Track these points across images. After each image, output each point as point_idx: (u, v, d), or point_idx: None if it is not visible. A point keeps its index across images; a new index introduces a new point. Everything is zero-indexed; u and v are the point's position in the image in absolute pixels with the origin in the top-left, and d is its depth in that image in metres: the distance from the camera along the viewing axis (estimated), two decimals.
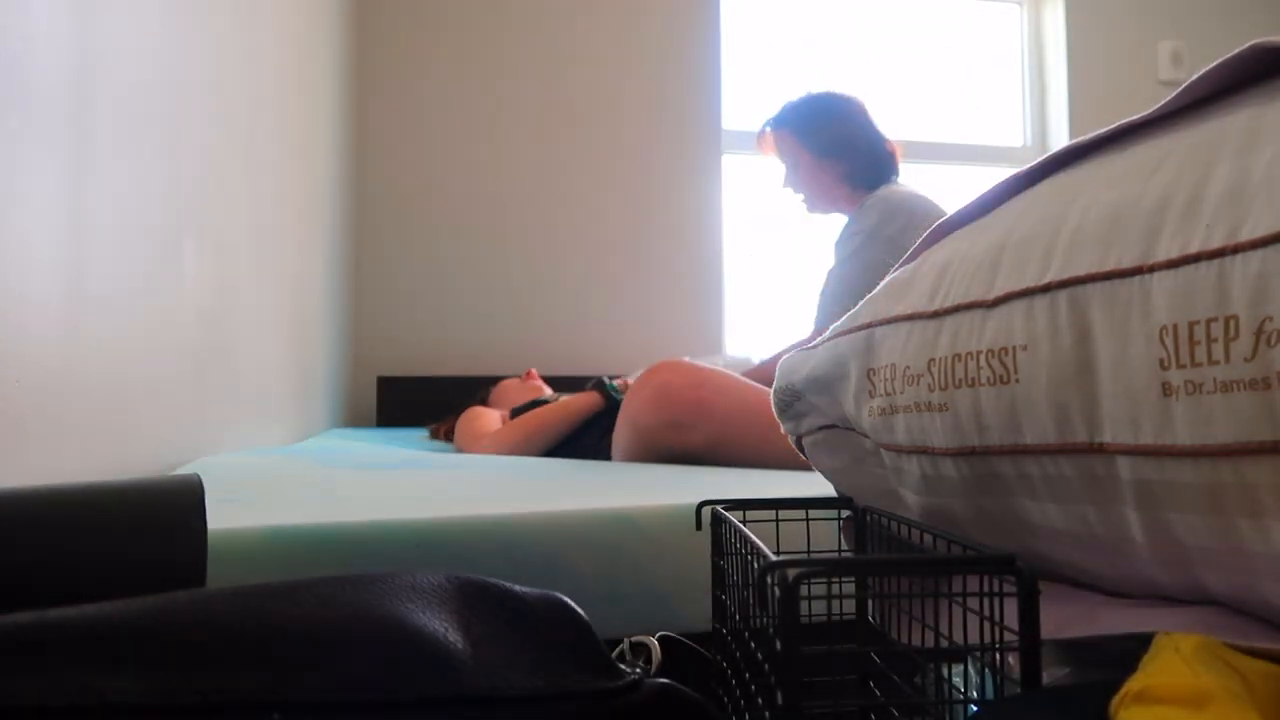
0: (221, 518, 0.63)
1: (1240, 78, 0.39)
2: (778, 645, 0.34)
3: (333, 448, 1.46)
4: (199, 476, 0.45)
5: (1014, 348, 0.41)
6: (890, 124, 3.00)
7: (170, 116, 1.04)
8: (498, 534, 0.63)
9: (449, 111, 2.62)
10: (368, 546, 0.60)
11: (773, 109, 1.96)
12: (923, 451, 0.49)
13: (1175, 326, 0.34)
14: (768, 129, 1.94)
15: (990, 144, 3.11)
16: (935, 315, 0.47)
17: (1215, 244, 0.33)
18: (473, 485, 0.89)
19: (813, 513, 0.56)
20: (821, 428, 0.60)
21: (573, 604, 0.41)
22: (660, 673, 0.46)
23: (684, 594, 0.65)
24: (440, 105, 2.62)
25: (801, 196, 1.93)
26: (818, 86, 1.95)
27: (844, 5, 3.07)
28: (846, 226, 1.81)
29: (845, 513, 0.58)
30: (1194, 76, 0.40)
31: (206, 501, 0.57)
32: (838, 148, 1.85)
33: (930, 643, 0.43)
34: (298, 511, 0.67)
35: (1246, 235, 0.32)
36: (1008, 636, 0.37)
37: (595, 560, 0.63)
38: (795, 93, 1.95)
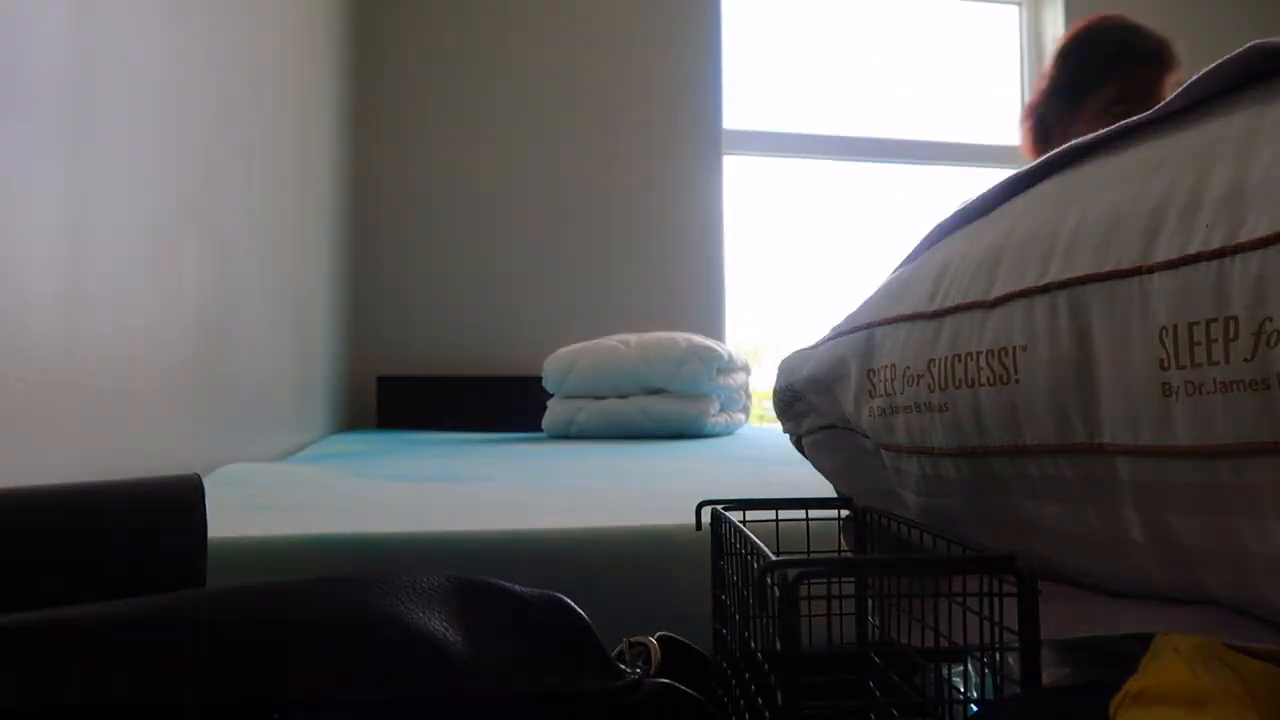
0: (262, 525, 0.64)
1: (1240, 78, 0.39)
2: (778, 645, 0.34)
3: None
4: (199, 476, 0.45)
5: (1014, 348, 0.41)
6: (891, 124, 3.00)
7: (170, 116, 1.04)
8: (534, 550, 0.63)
9: (449, 111, 2.62)
10: (413, 557, 0.61)
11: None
12: (922, 452, 0.49)
13: (1175, 327, 0.34)
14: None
15: (990, 144, 3.11)
16: (935, 316, 0.47)
17: (1215, 245, 0.33)
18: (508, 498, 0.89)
19: (813, 513, 0.56)
20: (821, 428, 0.60)
21: (573, 604, 0.41)
22: (660, 673, 0.46)
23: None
24: (440, 105, 2.62)
25: None
26: None
27: (844, 5, 3.07)
28: None
29: (845, 513, 0.58)
30: (1194, 77, 0.40)
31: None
32: None
33: (930, 643, 0.43)
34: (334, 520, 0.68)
35: (1246, 236, 0.32)
36: (1008, 636, 0.37)
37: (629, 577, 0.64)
38: None
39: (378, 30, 2.60)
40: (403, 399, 2.51)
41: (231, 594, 0.36)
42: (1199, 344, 0.33)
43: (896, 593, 0.48)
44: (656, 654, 0.47)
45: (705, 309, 2.73)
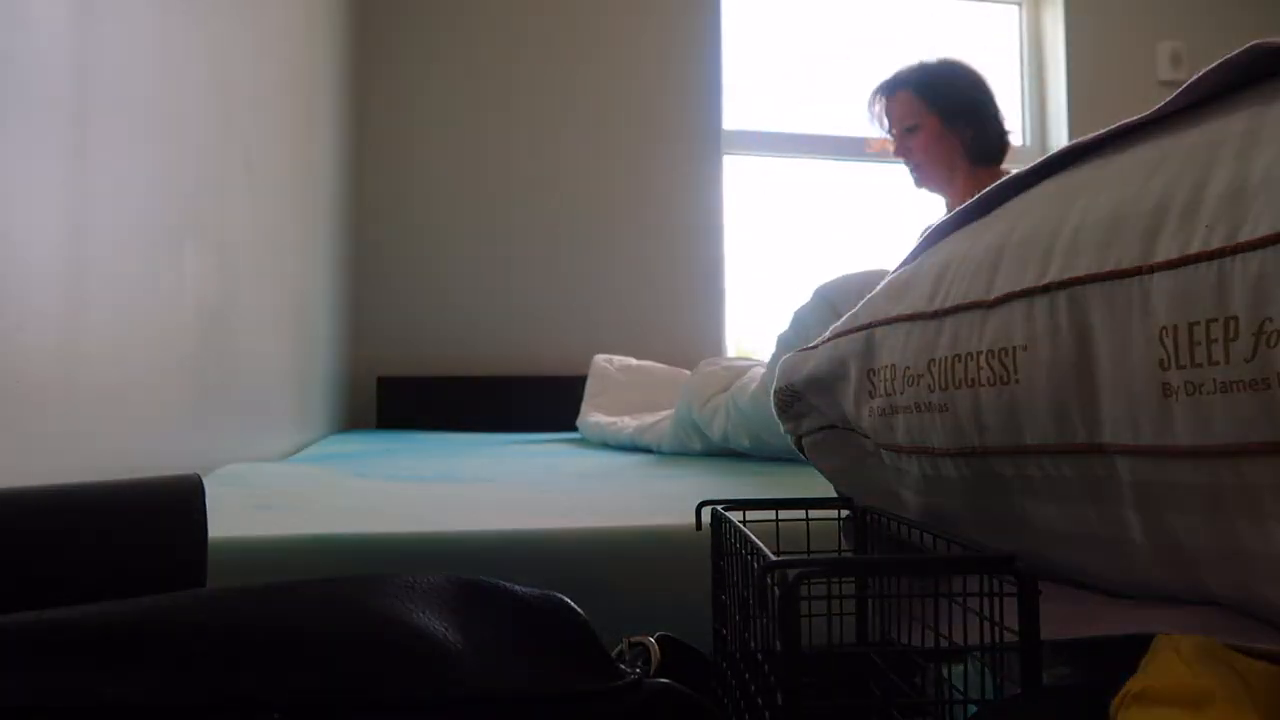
0: (261, 525, 0.64)
1: (1240, 79, 0.39)
2: (778, 645, 0.34)
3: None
4: (199, 476, 0.45)
5: (1014, 348, 0.41)
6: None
7: (170, 117, 1.04)
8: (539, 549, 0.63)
9: (449, 111, 2.62)
10: (412, 557, 0.60)
11: (890, 74, 1.87)
12: (923, 452, 0.48)
13: (1175, 327, 0.34)
14: (893, 92, 1.83)
15: None
16: (935, 316, 0.47)
17: (1215, 245, 0.33)
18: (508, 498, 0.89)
19: (813, 513, 0.56)
20: (821, 428, 0.60)
21: (573, 604, 0.41)
22: (660, 673, 0.46)
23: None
24: (440, 105, 2.62)
25: (914, 165, 1.83)
26: (942, 55, 1.87)
27: (844, 5, 3.07)
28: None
29: (845, 513, 0.58)
30: (1193, 77, 0.40)
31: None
32: (966, 115, 1.76)
33: (930, 643, 0.43)
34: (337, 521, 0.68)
35: (1246, 236, 0.32)
36: (1008, 636, 0.37)
37: (639, 577, 0.63)
38: (918, 57, 1.87)
39: (377, 31, 2.60)
40: (403, 399, 2.51)
41: (232, 594, 0.36)
42: (1199, 344, 0.33)
43: (896, 593, 0.48)
44: (656, 654, 0.47)
45: (705, 309, 2.73)
